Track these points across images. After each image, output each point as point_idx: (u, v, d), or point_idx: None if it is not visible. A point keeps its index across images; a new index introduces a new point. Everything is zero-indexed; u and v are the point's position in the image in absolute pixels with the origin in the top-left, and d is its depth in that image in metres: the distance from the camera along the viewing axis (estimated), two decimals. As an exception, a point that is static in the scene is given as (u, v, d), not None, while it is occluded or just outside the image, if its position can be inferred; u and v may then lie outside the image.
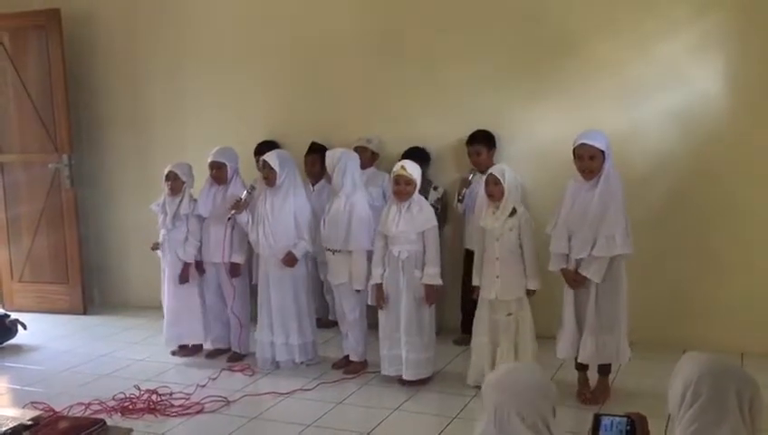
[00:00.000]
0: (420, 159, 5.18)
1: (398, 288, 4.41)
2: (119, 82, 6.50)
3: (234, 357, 5.09)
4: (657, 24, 4.91)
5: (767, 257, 4.82)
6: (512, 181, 4.24)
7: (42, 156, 6.41)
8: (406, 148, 5.35)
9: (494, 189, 4.25)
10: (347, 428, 3.94)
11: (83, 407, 4.25)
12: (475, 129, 5.21)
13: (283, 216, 4.73)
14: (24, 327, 5.70)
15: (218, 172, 5.02)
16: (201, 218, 5.11)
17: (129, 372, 4.91)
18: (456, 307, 5.33)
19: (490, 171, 4.32)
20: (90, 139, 6.65)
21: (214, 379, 4.72)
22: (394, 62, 5.57)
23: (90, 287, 6.68)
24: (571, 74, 5.11)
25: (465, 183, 5.11)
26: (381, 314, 4.52)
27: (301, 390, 4.48)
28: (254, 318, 5.03)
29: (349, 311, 4.71)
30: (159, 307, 5.33)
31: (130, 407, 4.26)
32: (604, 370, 4.18)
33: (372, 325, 4.71)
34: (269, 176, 4.74)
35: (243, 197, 4.83)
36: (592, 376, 4.20)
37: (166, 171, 5.11)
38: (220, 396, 4.39)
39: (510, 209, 4.23)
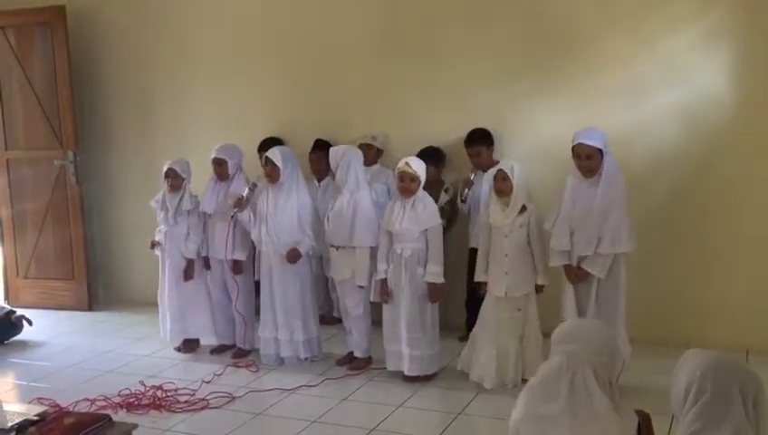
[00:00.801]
0: (435, 160, 5.18)
1: (401, 285, 4.41)
2: (124, 78, 6.51)
3: (238, 353, 5.10)
4: (660, 22, 4.90)
5: (771, 254, 4.82)
6: (520, 177, 4.24)
7: (47, 152, 6.42)
8: (411, 145, 5.31)
9: (504, 185, 4.25)
10: (351, 424, 3.95)
11: (89, 403, 4.28)
12: (477, 126, 5.19)
13: (286, 212, 4.73)
14: (30, 323, 5.73)
15: (220, 169, 5.02)
16: (203, 215, 5.12)
17: (134, 368, 4.93)
18: (460, 305, 5.33)
19: (499, 167, 4.32)
20: (95, 135, 6.66)
21: (219, 375, 4.74)
22: (398, 59, 5.57)
23: (94, 284, 6.69)
24: (574, 71, 5.11)
25: (468, 183, 5.09)
26: (385, 311, 4.53)
27: (305, 386, 4.49)
28: (258, 314, 5.05)
29: (352, 307, 4.71)
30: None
31: (136, 403, 4.28)
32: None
33: (376, 322, 4.73)
34: (272, 172, 4.74)
35: (244, 194, 4.84)
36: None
37: (164, 169, 5.12)
38: (225, 392, 4.41)
39: (519, 206, 4.24)
